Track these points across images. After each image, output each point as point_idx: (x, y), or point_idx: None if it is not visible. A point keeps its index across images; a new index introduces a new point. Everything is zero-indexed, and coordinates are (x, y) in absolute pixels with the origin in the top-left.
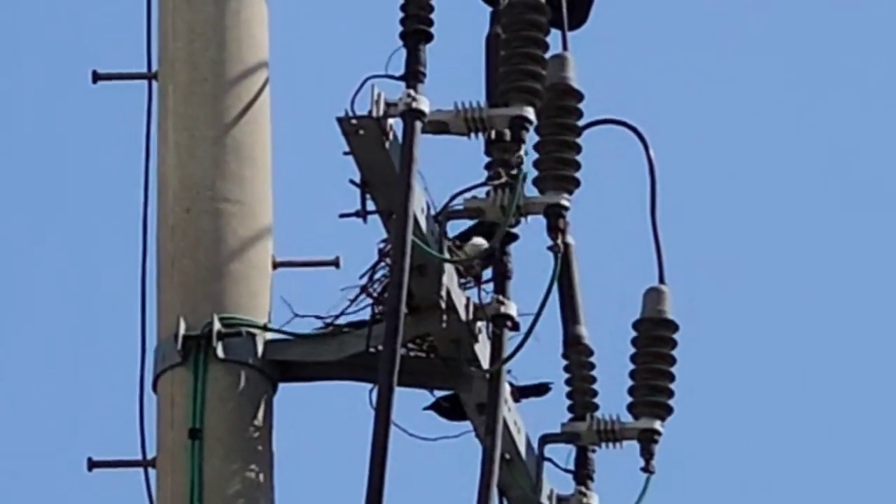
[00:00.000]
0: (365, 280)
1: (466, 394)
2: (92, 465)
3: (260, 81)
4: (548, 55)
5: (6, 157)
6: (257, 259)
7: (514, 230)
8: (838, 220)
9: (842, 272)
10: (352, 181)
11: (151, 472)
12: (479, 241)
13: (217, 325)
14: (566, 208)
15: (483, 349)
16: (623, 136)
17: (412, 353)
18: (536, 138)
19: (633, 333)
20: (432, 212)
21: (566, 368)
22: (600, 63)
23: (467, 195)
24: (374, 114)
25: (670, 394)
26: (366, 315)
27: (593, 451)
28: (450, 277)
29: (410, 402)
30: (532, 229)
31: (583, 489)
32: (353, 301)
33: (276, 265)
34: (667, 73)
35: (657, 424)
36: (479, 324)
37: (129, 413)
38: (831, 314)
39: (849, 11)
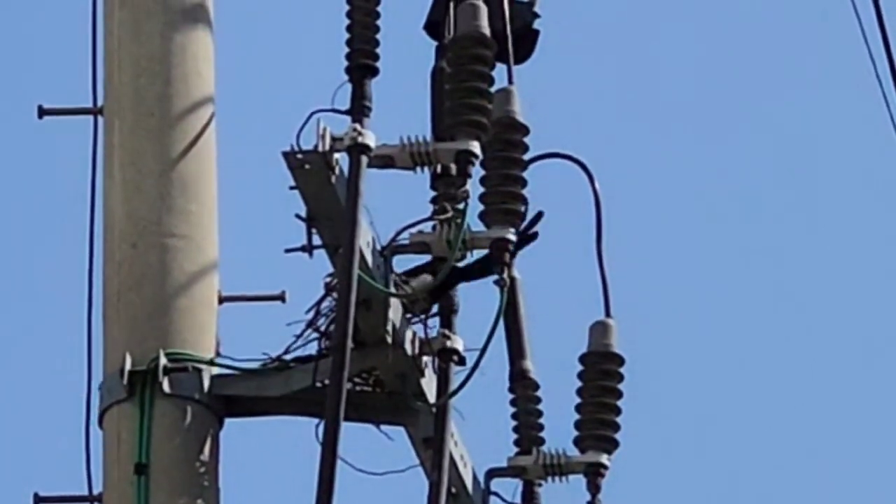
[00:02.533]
0: (311, 315)
1: (413, 428)
2: (38, 500)
3: (206, 116)
4: (493, 89)
5: None
6: (203, 294)
7: (461, 264)
8: (787, 252)
9: (788, 307)
10: (297, 216)
11: None
12: (428, 277)
13: (163, 360)
14: (512, 242)
15: (429, 383)
16: (569, 169)
17: (358, 388)
18: (482, 172)
19: (580, 367)
20: (378, 246)
21: (512, 402)
22: (546, 97)
23: (413, 230)
24: (320, 148)
25: (617, 427)
26: (312, 350)
27: (540, 485)
28: (396, 312)
29: (357, 437)
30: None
31: None
32: (299, 336)
33: (222, 300)
34: (612, 106)
35: (604, 458)
36: (426, 358)
37: (75, 448)
38: (779, 347)
39: (803, 45)
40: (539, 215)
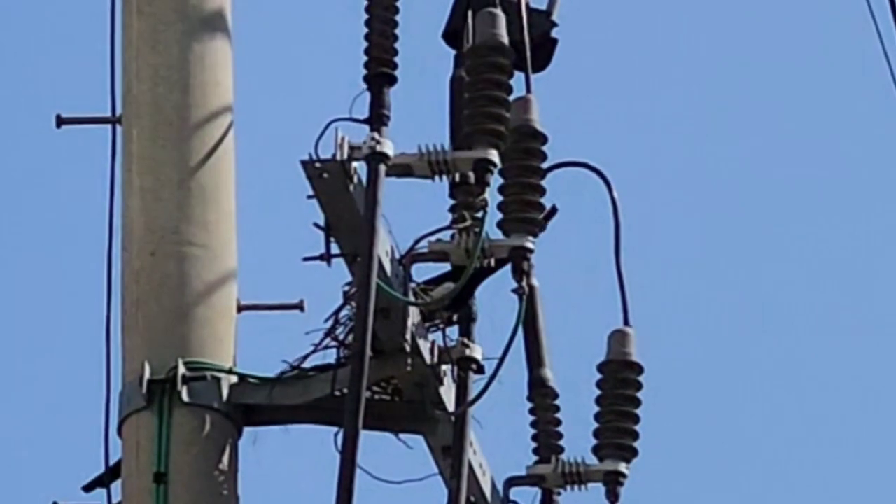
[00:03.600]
0: (330, 323)
1: (432, 437)
2: None
3: (224, 125)
4: (511, 98)
5: None
6: (222, 303)
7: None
8: (808, 260)
9: (809, 314)
10: (316, 224)
11: None
12: (448, 285)
13: (182, 369)
14: (531, 250)
15: (448, 392)
16: (587, 178)
17: (377, 397)
18: (500, 181)
19: (599, 376)
20: (397, 255)
21: (531, 411)
22: (564, 105)
23: (432, 238)
24: (338, 157)
25: (635, 436)
26: (331, 358)
27: (559, 493)
28: (414, 320)
29: (376, 446)
30: (497, 272)
31: None
32: (318, 345)
33: (240, 309)
34: (630, 114)
35: (622, 466)
36: (444, 367)
37: (94, 457)
38: (796, 355)
39: (818, 59)
40: (553, 210)
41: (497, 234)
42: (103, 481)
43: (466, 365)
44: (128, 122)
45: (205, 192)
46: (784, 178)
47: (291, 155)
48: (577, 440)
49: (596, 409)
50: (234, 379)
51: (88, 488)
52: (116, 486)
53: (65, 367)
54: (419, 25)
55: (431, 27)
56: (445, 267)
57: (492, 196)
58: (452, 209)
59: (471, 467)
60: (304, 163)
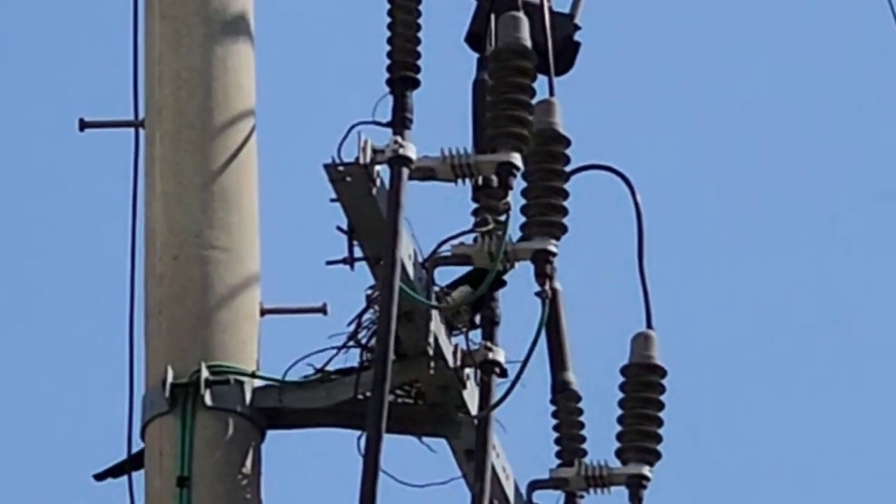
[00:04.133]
0: (353, 327)
1: (455, 440)
2: None
3: (247, 129)
4: (534, 101)
5: None
6: (245, 306)
7: (503, 276)
8: (832, 266)
9: (831, 321)
10: (339, 228)
11: None
12: (468, 289)
13: (205, 373)
14: (554, 254)
15: (471, 396)
16: (610, 181)
17: (400, 400)
18: (523, 184)
19: (621, 379)
20: (420, 258)
21: (554, 414)
22: (587, 108)
23: (455, 241)
24: (361, 160)
25: (658, 439)
26: (354, 362)
27: (581, 496)
28: (437, 324)
29: (399, 449)
30: (520, 275)
31: None
32: (341, 348)
33: (263, 312)
34: (653, 118)
35: (645, 470)
36: (467, 370)
37: (117, 461)
38: (820, 360)
39: (843, 60)
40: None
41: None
42: (116, 472)
43: (489, 368)
44: (150, 125)
45: (227, 196)
46: (808, 181)
47: (314, 158)
48: (600, 443)
49: (619, 412)
50: (257, 382)
51: (100, 477)
52: (139, 490)
53: (88, 371)
54: (442, 29)
55: (454, 30)
56: (465, 270)
57: (515, 199)
58: (475, 213)
59: (494, 471)
60: (326, 166)
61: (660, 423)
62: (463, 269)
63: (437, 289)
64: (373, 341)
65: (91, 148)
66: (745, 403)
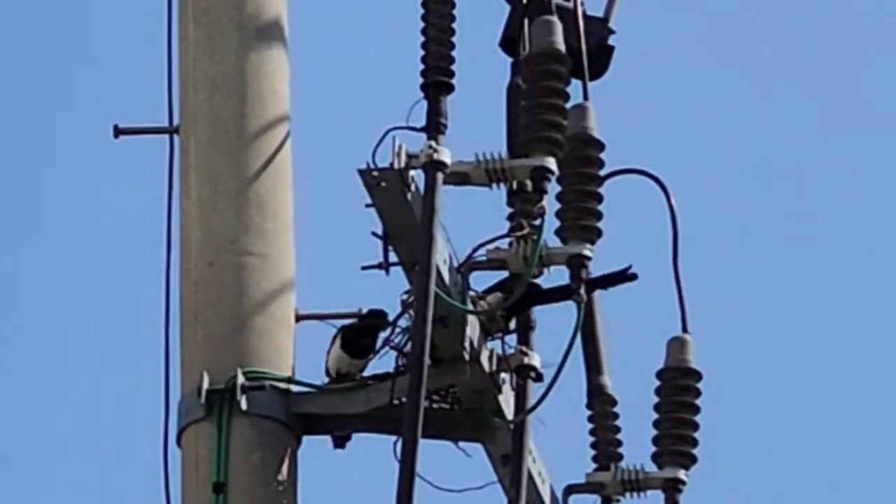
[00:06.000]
0: (388, 332)
1: (491, 445)
2: None
3: (281, 134)
4: (568, 105)
5: (30, 212)
6: (280, 312)
7: (537, 280)
8: (857, 269)
9: (859, 321)
10: (374, 233)
11: None
12: (498, 295)
13: (241, 379)
14: (589, 258)
15: (507, 400)
16: (644, 185)
17: (436, 405)
18: (558, 188)
19: (657, 383)
20: (455, 263)
21: (590, 418)
22: (621, 113)
23: (490, 246)
24: (396, 166)
25: (694, 443)
26: (389, 367)
27: (618, 500)
28: (473, 329)
29: (435, 454)
30: (555, 280)
31: None
32: (376, 353)
33: (298, 318)
34: (687, 122)
35: (681, 474)
36: (503, 375)
37: (154, 467)
38: (853, 361)
39: (875, 68)
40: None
41: (555, 242)
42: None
43: (525, 373)
44: (185, 132)
45: (262, 202)
46: (844, 186)
47: (349, 164)
48: (636, 447)
49: (655, 416)
50: (293, 388)
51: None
52: (176, 497)
53: (124, 378)
54: (476, 33)
55: (488, 35)
56: (500, 275)
57: (549, 204)
58: (510, 217)
59: (530, 475)
60: (361, 172)
61: (696, 427)
62: (498, 274)
63: (472, 294)
64: (408, 346)
65: (126, 154)
66: (782, 406)
